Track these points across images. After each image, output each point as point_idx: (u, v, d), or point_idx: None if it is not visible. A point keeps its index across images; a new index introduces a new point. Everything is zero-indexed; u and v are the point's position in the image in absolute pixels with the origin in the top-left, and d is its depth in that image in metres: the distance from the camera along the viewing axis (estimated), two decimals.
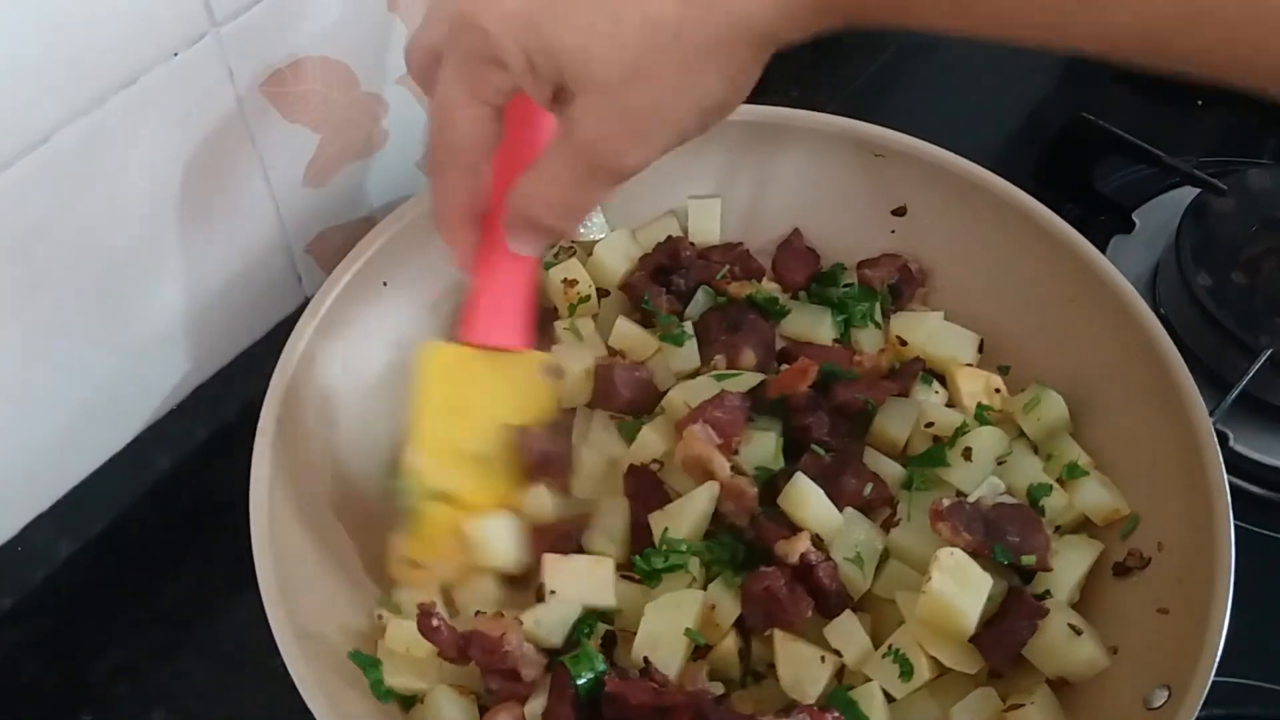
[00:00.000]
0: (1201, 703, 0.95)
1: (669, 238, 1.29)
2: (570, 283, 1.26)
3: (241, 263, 1.17)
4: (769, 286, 1.29)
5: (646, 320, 1.25)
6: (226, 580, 1.12)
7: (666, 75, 0.79)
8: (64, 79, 0.91)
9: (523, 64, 0.81)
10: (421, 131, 1.22)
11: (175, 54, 0.98)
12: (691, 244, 1.29)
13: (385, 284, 1.19)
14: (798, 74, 1.58)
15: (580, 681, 1.00)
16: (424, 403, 1.03)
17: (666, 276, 1.27)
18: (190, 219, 1.08)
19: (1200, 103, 1.64)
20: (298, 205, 1.18)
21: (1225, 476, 1.05)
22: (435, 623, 1.01)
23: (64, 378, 1.07)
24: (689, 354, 1.22)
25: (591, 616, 1.06)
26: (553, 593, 1.06)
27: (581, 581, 1.07)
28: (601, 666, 1.01)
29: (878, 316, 1.28)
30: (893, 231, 1.30)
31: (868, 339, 1.27)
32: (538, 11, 0.79)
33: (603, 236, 1.29)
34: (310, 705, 0.94)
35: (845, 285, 1.29)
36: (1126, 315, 1.15)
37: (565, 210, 0.89)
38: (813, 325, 1.26)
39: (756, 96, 1.37)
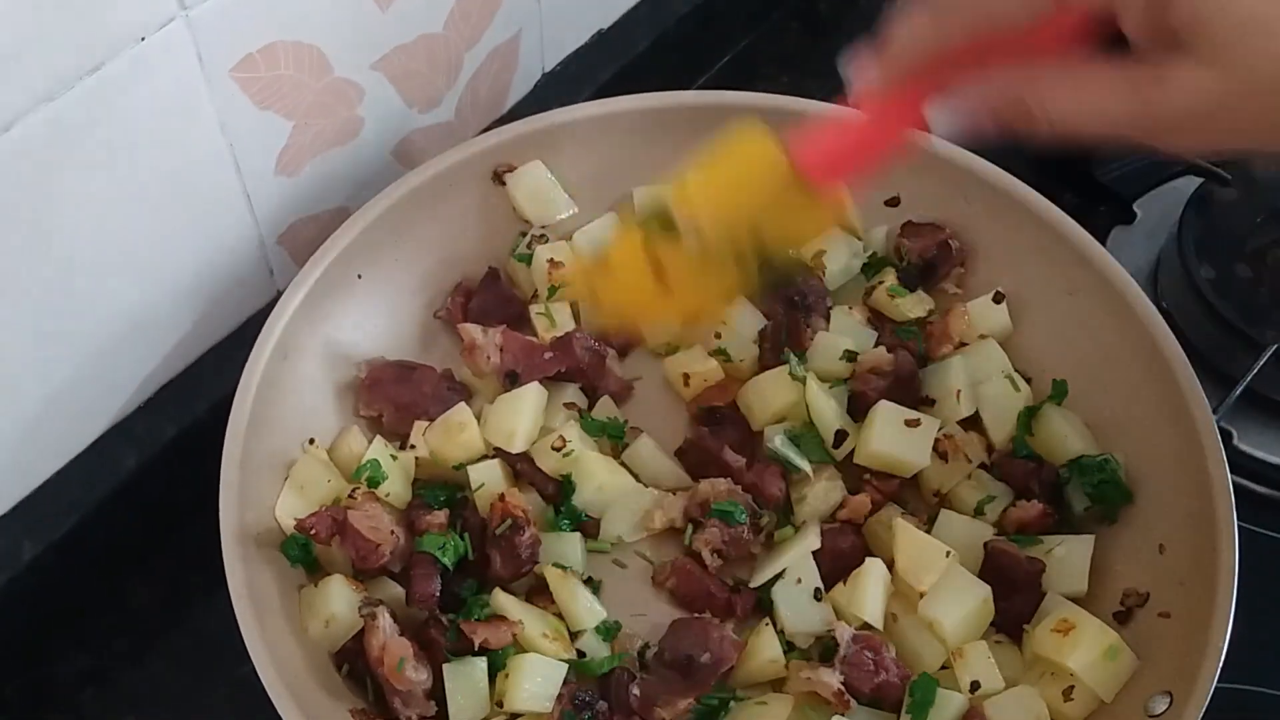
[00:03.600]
0: (1204, 710, 0.94)
1: None
2: (555, 264, 1.24)
3: (211, 255, 1.14)
4: None
5: None
6: (196, 584, 1.13)
7: None
8: (27, 65, 0.89)
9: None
10: (397, 117, 1.23)
11: (142, 39, 0.96)
12: None
13: (359, 276, 1.18)
14: (788, 60, 1.57)
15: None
16: (712, 160, 0.93)
17: None
18: (158, 209, 1.06)
19: None
20: (269, 195, 1.16)
21: (1229, 476, 1.04)
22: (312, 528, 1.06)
23: (27, 374, 1.05)
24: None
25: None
26: (413, 446, 1.15)
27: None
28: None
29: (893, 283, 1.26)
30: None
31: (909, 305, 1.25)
32: None
33: (570, 213, 1.27)
34: (281, 711, 0.94)
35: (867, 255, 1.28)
36: (1127, 309, 1.14)
37: (1065, 121, 0.73)
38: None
39: (745, 83, 1.36)
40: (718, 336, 1.21)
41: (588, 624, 1.08)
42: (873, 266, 1.27)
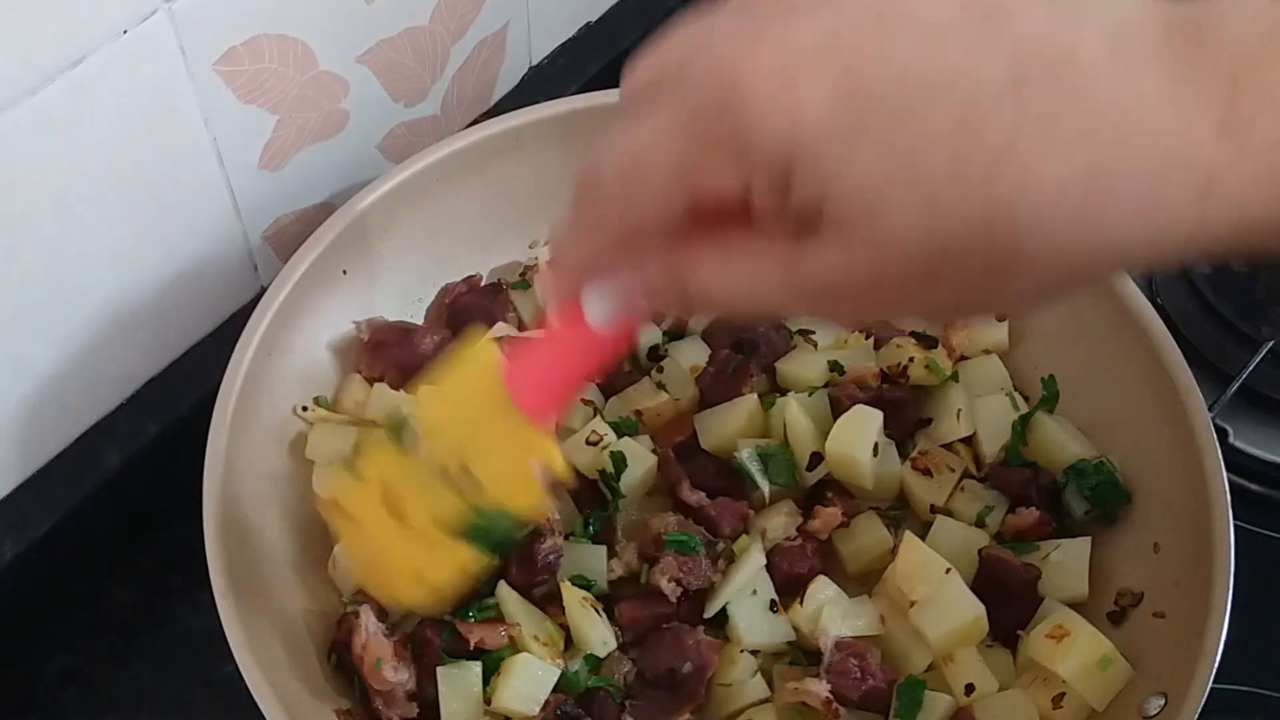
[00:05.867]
0: (1199, 711, 0.94)
1: None
2: None
3: (194, 250, 1.14)
4: None
5: None
6: (178, 583, 1.14)
7: (972, 266, 0.59)
8: (8, 59, 0.88)
9: (774, 183, 0.61)
10: (382, 111, 1.22)
11: (125, 31, 0.95)
12: None
13: (345, 272, 1.17)
14: None
15: None
16: (443, 373, 0.89)
17: None
18: (140, 204, 1.06)
19: None
20: (253, 190, 1.15)
21: (1224, 474, 1.03)
22: None
23: (8, 371, 1.04)
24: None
25: None
26: None
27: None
28: None
29: None
30: None
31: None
32: (842, 117, 0.57)
33: None
34: (265, 711, 0.93)
35: None
36: (1121, 306, 1.12)
37: (719, 298, 0.69)
38: None
39: None
40: (660, 371, 1.20)
41: (598, 651, 1.06)
42: None
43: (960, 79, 0.56)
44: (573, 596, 1.06)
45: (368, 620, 1.02)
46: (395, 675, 1.00)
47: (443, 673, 1.02)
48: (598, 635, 1.06)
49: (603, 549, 1.10)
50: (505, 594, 1.06)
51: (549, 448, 0.84)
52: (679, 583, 1.06)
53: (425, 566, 0.90)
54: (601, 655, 1.06)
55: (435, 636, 1.04)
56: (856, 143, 0.57)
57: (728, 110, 0.60)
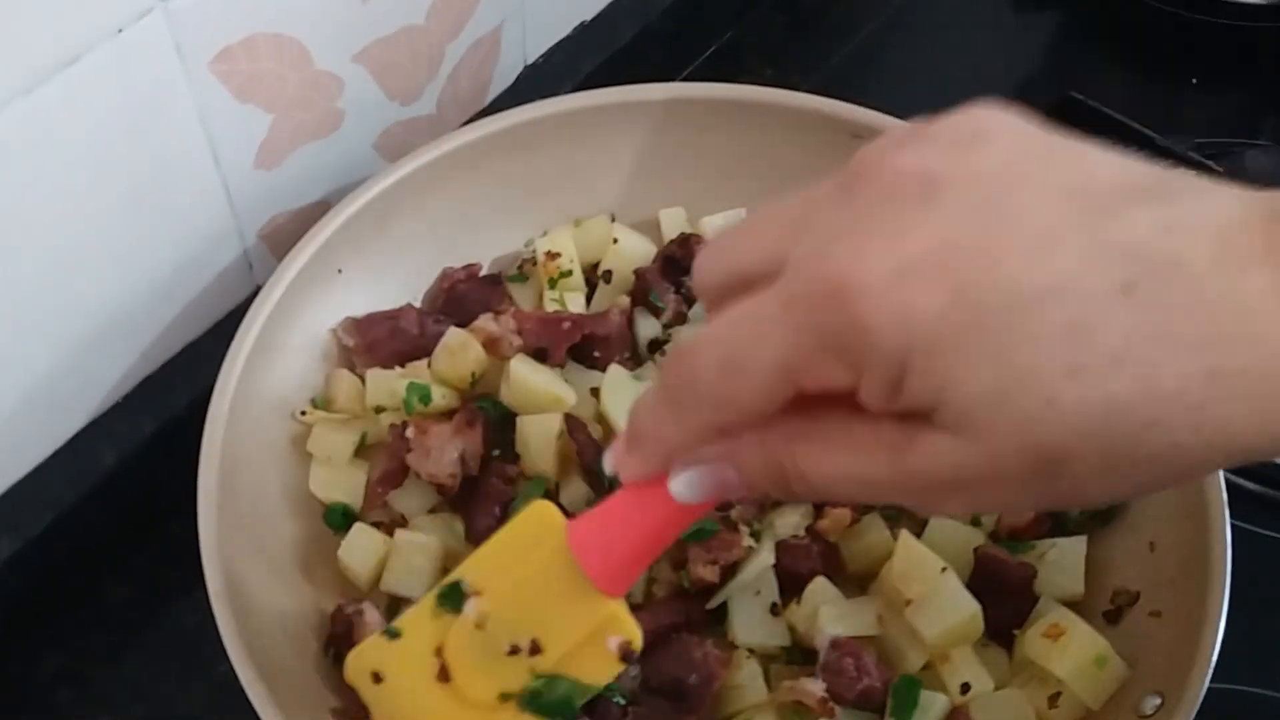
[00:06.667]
0: (1196, 711, 0.93)
1: (682, 234, 1.26)
2: (552, 255, 1.23)
3: (189, 249, 1.14)
4: None
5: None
6: (174, 581, 1.12)
7: (1089, 462, 0.59)
8: (2, 58, 0.88)
9: (886, 382, 0.60)
10: (378, 110, 1.23)
11: (120, 30, 0.95)
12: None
13: (340, 271, 1.17)
14: (772, 51, 1.57)
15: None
16: (501, 534, 0.85)
17: (676, 275, 1.24)
18: (136, 203, 1.05)
19: (1195, 81, 1.60)
20: (249, 189, 1.15)
21: (1221, 472, 1.02)
22: None
23: (2, 370, 1.04)
24: None
25: None
26: None
27: None
28: None
29: None
30: None
31: None
32: (956, 322, 0.57)
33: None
34: (259, 711, 0.92)
35: None
36: None
37: (823, 485, 0.66)
38: None
39: (729, 76, 1.35)
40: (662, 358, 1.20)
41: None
42: None
43: (1072, 285, 0.56)
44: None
45: (371, 619, 1.01)
46: None
47: None
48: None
49: None
50: None
51: (623, 618, 0.80)
52: (715, 562, 1.05)
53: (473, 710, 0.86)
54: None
55: None
56: (971, 348, 0.57)
57: (841, 307, 0.58)
